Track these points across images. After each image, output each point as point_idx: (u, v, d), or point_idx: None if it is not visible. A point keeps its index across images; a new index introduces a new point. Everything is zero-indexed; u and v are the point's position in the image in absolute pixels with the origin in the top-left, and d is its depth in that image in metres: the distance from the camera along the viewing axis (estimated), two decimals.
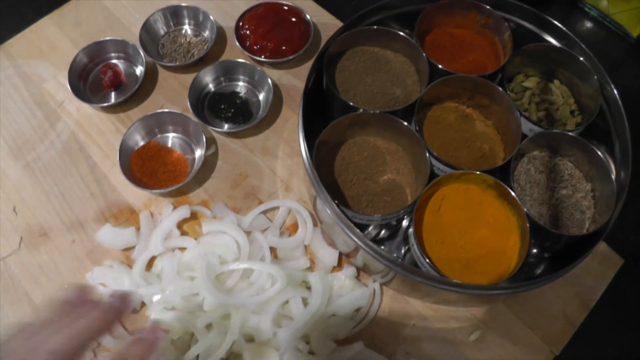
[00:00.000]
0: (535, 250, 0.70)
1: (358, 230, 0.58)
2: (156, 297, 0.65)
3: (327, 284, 0.65)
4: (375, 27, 0.73)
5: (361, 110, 0.66)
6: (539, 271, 0.70)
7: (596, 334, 0.69)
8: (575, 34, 0.72)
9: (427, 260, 0.60)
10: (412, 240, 0.62)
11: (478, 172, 0.63)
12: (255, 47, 0.81)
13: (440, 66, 0.69)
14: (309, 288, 0.66)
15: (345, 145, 0.69)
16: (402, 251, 0.70)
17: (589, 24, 0.92)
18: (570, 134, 0.67)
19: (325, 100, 0.72)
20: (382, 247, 0.71)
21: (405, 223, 0.72)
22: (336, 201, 0.60)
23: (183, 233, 0.71)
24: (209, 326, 0.63)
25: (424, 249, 0.62)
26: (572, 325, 0.68)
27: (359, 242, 0.59)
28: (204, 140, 0.73)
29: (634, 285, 0.72)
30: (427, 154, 0.64)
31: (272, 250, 0.69)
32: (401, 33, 0.72)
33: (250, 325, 0.63)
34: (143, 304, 0.66)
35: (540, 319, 0.68)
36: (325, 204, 0.60)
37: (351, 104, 0.67)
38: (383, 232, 0.71)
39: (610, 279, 0.71)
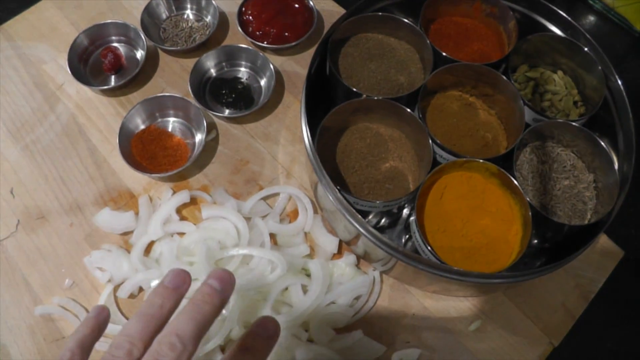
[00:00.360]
0: (536, 241, 0.69)
1: (360, 216, 0.58)
2: (154, 282, 0.65)
3: (327, 272, 0.65)
4: (379, 13, 0.72)
5: (364, 96, 0.66)
6: (539, 262, 0.70)
7: (595, 326, 0.69)
8: (580, 27, 0.72)
9: (429, 247, 0.59)
10: (414, 227, 0.62)
11: (481, 160, 0.63)
12: (258, 33, 0.80)
13: (444, 54, 0.69)
14: (308, 275, 0.65)
15: (347, 131, 0.69)
16: (403, 240, 0.70)
17: (593, 17, 0.92)
18: (573, 124, 0.66)
19: (328, 87, 0.72)
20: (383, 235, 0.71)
21: (406, 211, 0.71)
22: (338, 187, 0.59)
23: (182, 218, 0.70)
24: None
25: (425, 237, 0.62)
26: (572, 317, 0.68)
27: (361, 229, 0.58)
28: (205, 125, 0.73)
29: (633, 278, 0.72)
30: (430, 141, 0.63)
31: (272, 236, 0.68)
32: (405, 20, 0.71)
33: (249, 312, 0.62)
34: (141, 289, 0.66)
35: (540, 309, 0.68)
36: (327, 190, 0.60)
37: (355, 89, 0.66)
38: (384, 220, 0.70)
39: (610, 271, 0.70)
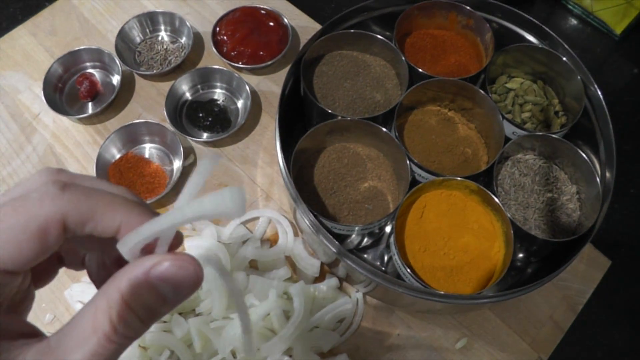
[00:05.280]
0: (521, 255, 0.69)
1: (337, 242, 0.57)
2: None
3: (308, 295, 0.64)
4: (352, 30, 0.71)
5: (339, 117, 0.65)
6: (526, 275, 0.69)
7: (584, 337, 0.68)
8: (559, 31, 0.71)
9: (408, 270, 0.59)
10: (394, 249, 0.61)
11: (459, 178, 0.62)
12: (232, 53, 0.79)
13: (420, 70, 0.68)
14: (290, 299, 0.64)
15: (325, 152, 0.68)
16: (386, 259, 0.69)
17: (573, 22, 0.91)
18: (554, 136, 0.66)
19: (304, 107, 0.71)
20: (365, 256, 0.70)
21: (388, 229, 0.70)
22: (314, 212, 0.58)
23: None
24: (190, 345, 0.62)
25: (406, 258, 0.61)
26: (560, 330, 0.67)
27: (339, 255, 0.58)
28: (182, 150, 0.72)
29: (621, 286, 0.71)
30: (408, 161, 0.62)
31: (253, 261, 0.67)
32: (379, 36, 0.70)
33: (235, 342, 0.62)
34: None
35: (527, 324, 0.67)
36: (304, 215, 0.59)
37: (329, 111, 0.65)
38: (366, 240, 0.69)
39: (597, 282, 0.70)
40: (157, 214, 0.27)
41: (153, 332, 0.61)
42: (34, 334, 0.25)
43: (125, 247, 0.26)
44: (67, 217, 0.25)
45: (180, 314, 0.63)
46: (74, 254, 0.32)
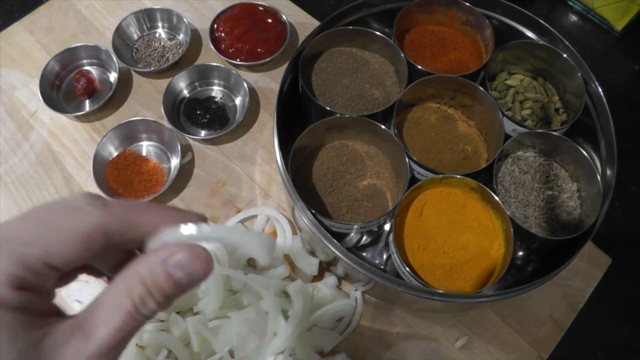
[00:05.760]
0: (521, 253, 0.68)
1: (335, 240, 0.56)
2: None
3: (307, 294, 0.64)
4: (351, 27, 0.70)
5: (338, 114, 0.64)
6: (526, 273, 0.69)
7: (585, 336, 0.67)
8: (560, 28, 0.70)
9: (407, 269, 0.58)
10: (392, 248, 0.61)
11: (459, 176, 0.61)
12: (230, 50, 0.78)
13: (419, 67, 0.67)
14: (288, 298, 0.64)
15: (323, 149, 0.67)
16: (385, 257, 0.69)
17: (573, 18, 0.90)
18: (554, 133, 0.65)
19: (303, 104, 0.70)
20: (365, 254, 0.70)
21: (387, 227, 0.70)
22: (313, 211, 0.58)
23: None
24: (188, 344, 0.61)
25: (405, 256, 0.61)
26: (560, 329, 0.67)
27: (337, 253, 0.57)
28: (179, 148, 0.71)
29: (622, 284, 0.70)
30: (407, 159, 0.62)
31: (251, 260, 0.67)
32: (378, 33, 0.69)
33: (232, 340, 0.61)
34: None
35: (527, 322, 0.66)
36: (302, 214, 0.58)
37: (328, 108, 0.64)
38: (365, 238, 0.69)
39: (598, 280, 0.69)
40: (186, 215, 0.32)
41: (150, 332, 0.61)
42: (62, 314, 0.29)
43: (154, 244, 0.30)
44: (110, 226, 0.29)
45: (178, 312, 0.63)
46: (102, 261, 0.35)
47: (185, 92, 0.78)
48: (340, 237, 0.65)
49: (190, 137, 0.75)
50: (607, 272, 0.70)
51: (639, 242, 0.74)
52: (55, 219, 0.28)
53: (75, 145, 0.77)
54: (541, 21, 0.70)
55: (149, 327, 0.61)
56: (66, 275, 0.32)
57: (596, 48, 0.87)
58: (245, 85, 0.75)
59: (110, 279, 0.35)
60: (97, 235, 0.28)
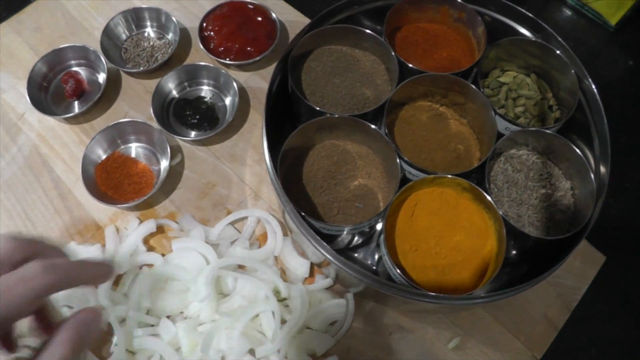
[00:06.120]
0: (515, 252, 0.67)
1: (325, 243, 0.56)
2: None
3: (305, 299, 0.63)
4: (341, 25, 0.69)
5: (328, 114, 0.63)
6: (520, 272, 0.68)
7: (578, 334, 0.67)
8: (554, 23, 0.69)
9: (398, 271, 0.57)
10: (383, 249, 0.60)
11: (450, 176, 0.61)
12: (220, 49, 0.77)
13: (410, 65, 0.66)
14: (280, 301, 0.63)
15: (313, 150, 0.67)
16: (377, 258, 0.68)
17: (567, 13, 0.89)
18: (547, 131, 0.64)
19: (293, 104, 0.69)
20: (356, 255, 0.69)
21: (379, 227, 0.69)
22: (303, 213, 0.57)
23: (150, 248, 0.68)
24: (178, 349, 0.61)
25: (396, 257, 0.60)
26: (554, 328, 0.66)
27: (327, 255, 0.56)
28: (169, 149, 0.71)
29: (616, 282, 0.70)
30: (398, 159, 0.61)
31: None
32: (368, 31, 0.68)
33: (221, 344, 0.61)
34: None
35: (521, 322, 0.66)
36: (292, 216, 0.58)
37: (317, 108, 0.64)
38: (356, 238, 0.68)
39: (592, 278, 0.69)
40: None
41: (140, 337, 0.60)
42: None
43: None
44: (54, 287, 0.32)
45: (168, 317, 0.62)
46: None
47: (175, 93, 0.77)
48: (331, 238, 0.65)
49: (179, 138, 0.74)
50: (601, 270, 0.69)
51: (633, 239, 0.73)
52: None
53: (64, 148, 0.76)
54: (534, 17, 0.69)
55: (139, 332, 0.61)
56: None
57: (590, 43, 0.86)
58: (234, 84, 0.75)
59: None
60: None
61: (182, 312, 0.63)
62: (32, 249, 0.33)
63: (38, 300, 0.31)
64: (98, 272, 0.36)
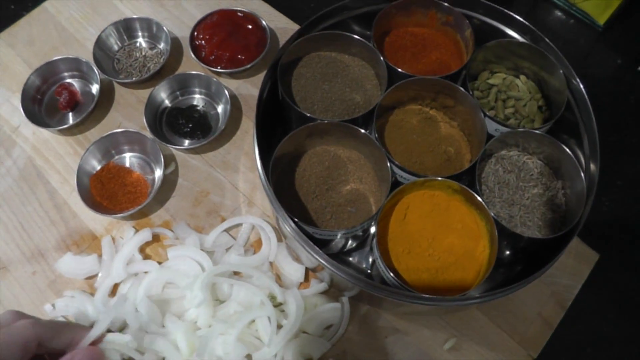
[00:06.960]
0: (508, 253, 0.68)
1: (318, 248, 0.56)
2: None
3: (300, 304, 0.63)
4: (329, 31, 0.70)
5: (318, 120, 0.64)
6: (514, 272, 0.69)
7: (573, 332, 0.67)
8: (542, 24, 0.70)
9: (391, 274, 0.58)
10: (376, 252, 0.60)
11: (440, 179, 0.61)
12: (211, 57, 0.78)
13: (399, 69, 0.67)
14: (275, 306, 0.64)
15: (305, 155, 0.67)
16: (370, 261, 0.69)
17: (556, 14, 0.90)
18: (536, 131, 0.65)
19: (283, 110, 0.70)
20: (350, 259, 0.70)
21: (373, 230, 0.70)
22: (295, 219, 0.58)
23: (146, 256, 0.69)
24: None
25: (389, 260, 0.60)
26: (549, 327, 0.67)
27: (321, 260, 0.57)
28: (162, 158, 0.71)
29: (610, 279, 0.70)
30: (389, 163, 0.62)
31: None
32: (357, 37, 0.69)
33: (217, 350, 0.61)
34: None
35: (516, 322, 0.66)
36: (284, 222, 0.58)
37: (308, 114, 0.64)
38: (350, 242, 0.69)
39: (586, 276, 0.69)
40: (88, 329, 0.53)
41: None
42: None
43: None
44: (41, 336, 0.45)
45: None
46: None
47: (167, 102, 0.78)
48: (325, 242, 0.65)
49: (173, 147, 0.74)
50: (595, 268, 0.70)
51: (625, 236, 0.73)
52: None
53: (58, 160, 0.76)
54: (522, 20, 0.70)
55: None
56: None
57: (579, 43, 0.87)
58: (226, 92, 0.75)
59: None
60: (32, 345, 0.44)
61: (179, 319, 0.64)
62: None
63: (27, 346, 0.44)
64: (77, 335, 0.51)
